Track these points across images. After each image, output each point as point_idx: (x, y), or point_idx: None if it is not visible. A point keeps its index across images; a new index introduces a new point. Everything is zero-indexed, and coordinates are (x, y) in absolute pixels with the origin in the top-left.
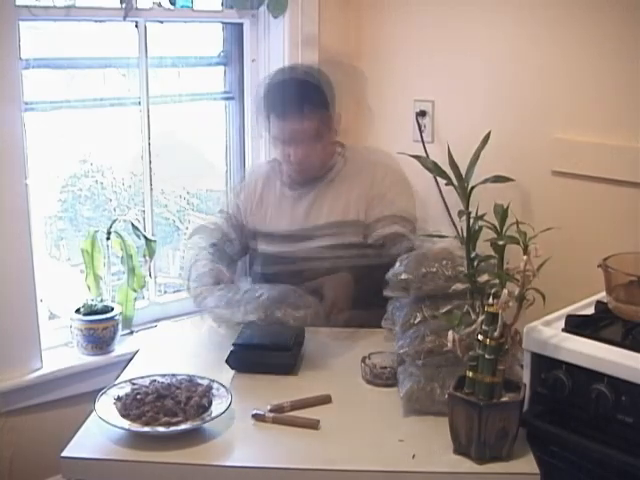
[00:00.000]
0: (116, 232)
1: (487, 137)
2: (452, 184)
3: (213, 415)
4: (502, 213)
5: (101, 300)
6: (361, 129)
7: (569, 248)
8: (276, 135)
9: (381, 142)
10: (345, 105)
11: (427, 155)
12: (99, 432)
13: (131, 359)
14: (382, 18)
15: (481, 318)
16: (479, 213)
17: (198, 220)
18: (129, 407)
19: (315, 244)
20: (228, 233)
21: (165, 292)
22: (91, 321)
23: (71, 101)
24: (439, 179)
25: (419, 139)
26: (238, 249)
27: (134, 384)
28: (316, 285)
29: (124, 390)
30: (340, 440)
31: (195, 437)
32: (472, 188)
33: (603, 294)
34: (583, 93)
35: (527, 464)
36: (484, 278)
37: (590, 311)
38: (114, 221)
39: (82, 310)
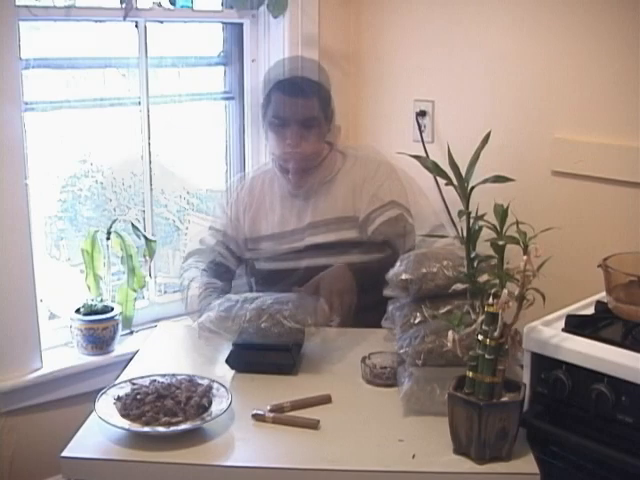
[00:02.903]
0: (116, 232)
1: (487, 137)
2: (452, 184)
3: (213, 415)
4: (502, 213)
5: (101, 300)
6: (361, 129)
7: (569, 248)
8: (275, 113)
9: (381, 142)
10: (344, 105)
11: (427, 155)
12: (99, 432)
13: (131, 359)
14: (382, 18)
15: (481, 318)
16: (479, 213)
17: (196, 222)
18: (129, 407)
19: (311, 242)
20: (221, 252)
21: (165, 292)
22: (91, 321)
23: (71, 101)
24: (439, 179)
25: (419, 139)
26: (234, 263)
27: (134, 384)
28: (315, 284)
29: (124, 390)
30: (340, 440)
31: (195, 437)
32: (472, 188)
33: (603, 294)
34: (583, 93)
35: (527, 464)
36: (484, 278)
37: (590, 311)
38: (114, 221)
39: (82, 310)
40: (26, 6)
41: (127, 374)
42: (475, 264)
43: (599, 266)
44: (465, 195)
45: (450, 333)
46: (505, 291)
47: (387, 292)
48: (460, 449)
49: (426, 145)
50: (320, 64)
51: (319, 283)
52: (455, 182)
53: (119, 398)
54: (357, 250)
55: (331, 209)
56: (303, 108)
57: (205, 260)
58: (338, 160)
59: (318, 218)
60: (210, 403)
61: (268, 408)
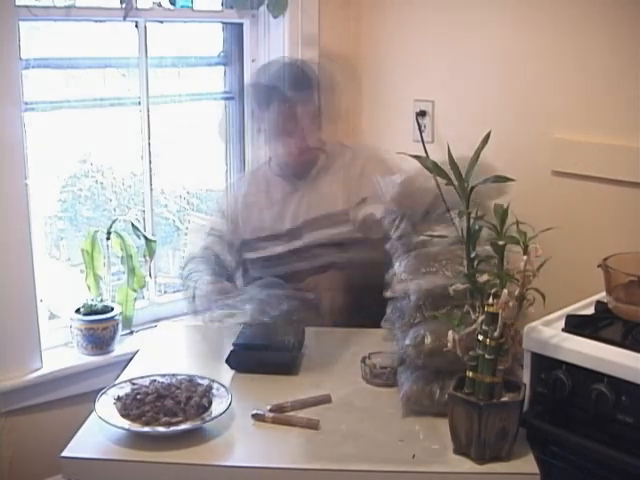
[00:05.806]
0: (116, 232)
1: (487, 137)
2: (452, 184)
3: (213, 415)
4: (502, 213)
5: (101, 300)
6: (361, 129)
7: (569, 248)
8: (263, 127)
9: (381, 142)
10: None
11: (427, 155)
12: (99, 432)
13: (131, 359)
14: (382, 18)
15: (481, 318)
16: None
17: (196, 223)
18: (129, 407)
19: (305, 241)
20: (219, 252)
21: (165, 292)
22: (91, 321)
23: (71, 101)
24: (439, 179)
25: (419, 139)
26: (232, 264)
27: (134, 384)
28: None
29: (124, 390)
30: (340, 440)
31: (195, 437)
32: (472, 188)
33: (603, 294)
34: (583, 93)
35: (527, 464)
36: (484, 278)
37: (590, 311)
38: (114, 221)
39: (82, 310)
40: (26, 6)
41: (127, 374)
42: (475, 264)
43: (599, 266)
44: (465, 195)
45: (450, 333)
46: (505, 291)
47: (387, 292)
48: (460, 449)
49: (426, 145)
50: (304, 60)
51: (314, 290)
52: (455, 182)
53: (119, 398)
54: (354, 247)
55: (322, 205)
56: (292, 111)
57: (206, 266)
58: (321, 153)
59: (311, 215)
60: (210, 403)
61: (268, 408)
